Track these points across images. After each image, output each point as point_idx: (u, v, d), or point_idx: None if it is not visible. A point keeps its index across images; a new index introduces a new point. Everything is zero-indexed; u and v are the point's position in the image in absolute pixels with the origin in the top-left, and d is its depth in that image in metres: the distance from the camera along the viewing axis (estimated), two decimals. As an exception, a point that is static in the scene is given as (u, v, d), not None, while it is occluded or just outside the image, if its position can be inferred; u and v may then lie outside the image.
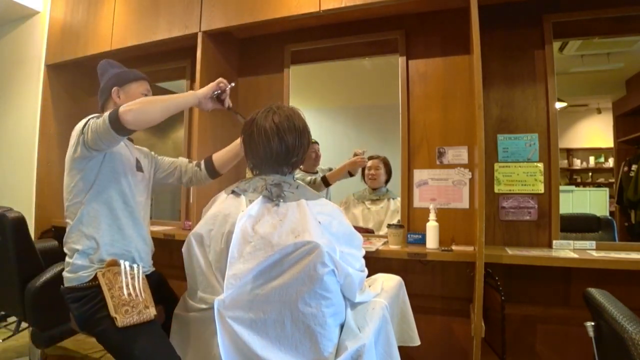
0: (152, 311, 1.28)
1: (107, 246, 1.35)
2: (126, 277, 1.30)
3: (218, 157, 1.66)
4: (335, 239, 1.20)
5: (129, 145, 1.52)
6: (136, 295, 1.28)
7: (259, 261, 1.14)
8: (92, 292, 1.29)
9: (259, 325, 1.14)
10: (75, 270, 1.32)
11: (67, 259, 1.35)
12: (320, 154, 2.64)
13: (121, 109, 1.20)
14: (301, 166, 2.64)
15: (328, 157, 2.73)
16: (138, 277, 1.33)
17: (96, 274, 1.30)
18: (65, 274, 1.35)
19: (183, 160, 1.70)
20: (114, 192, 1.38)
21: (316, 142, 2.64)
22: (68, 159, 1.35)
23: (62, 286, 1.35)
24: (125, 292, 1.27)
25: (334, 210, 1.30)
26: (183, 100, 1.37)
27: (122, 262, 1.34)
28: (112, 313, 1.23)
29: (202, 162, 1.67)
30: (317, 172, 2.63)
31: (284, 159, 1.30)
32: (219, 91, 1.50)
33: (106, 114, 1.22)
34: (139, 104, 1.23)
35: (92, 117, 1.29)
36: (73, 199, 1.34)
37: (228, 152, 1.66)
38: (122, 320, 1.22)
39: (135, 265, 1.36)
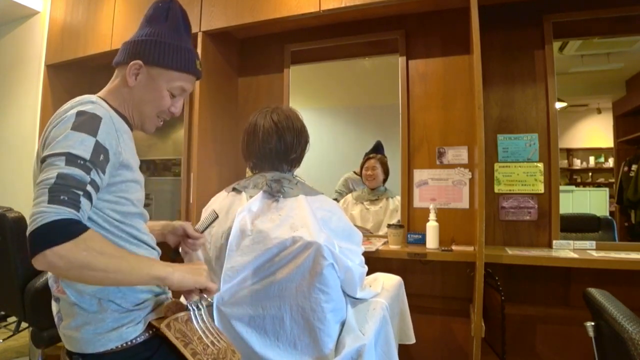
0: (238, 353, 1.00)
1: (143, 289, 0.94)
2: (198, 322, 0.95)
3: None
4: (334, 235, 1.21)
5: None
6: (219, 341, 0.95)
7: (257, 254, 1.15)
8: (154, 351, 0.90)
9: (258, 322, 1.14)
10: (112, 324, 0.87)
11: (80, 312, 0.87)
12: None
13: (55, 252, 0.71)
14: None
15: (328, 157, 2.73)
16: (208, 317, 0.99)
17: (150, 325, 0.90)
18: (85, 335, 0.87)
19: None
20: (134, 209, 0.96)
21: (383, 156, 2.50)
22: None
23: (79, 355, 0.88)
24: (207, 342, 0.93)
25: (333, 206, 1.31)
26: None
27: (189, 304, 0.96)
28: None
29: None
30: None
31: (283, 157, 1.32)
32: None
33: (44, 218, 0.71)
34: (86, 265, 0.74)
35: (68, 156, 0.77)
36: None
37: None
38: None
39: (200, 302, 0.99)
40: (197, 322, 0.94)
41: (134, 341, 0.88)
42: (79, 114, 0.83)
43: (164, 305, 0.93)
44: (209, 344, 0.92)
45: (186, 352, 0.87)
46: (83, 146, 0.79)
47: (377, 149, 2.57)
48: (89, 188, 0.78)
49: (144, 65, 0.95)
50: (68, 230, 0.72)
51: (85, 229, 0.75)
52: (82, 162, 0.78)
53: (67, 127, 0.80)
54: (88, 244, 0.74)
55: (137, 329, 0.89)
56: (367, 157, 2.53)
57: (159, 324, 0.89)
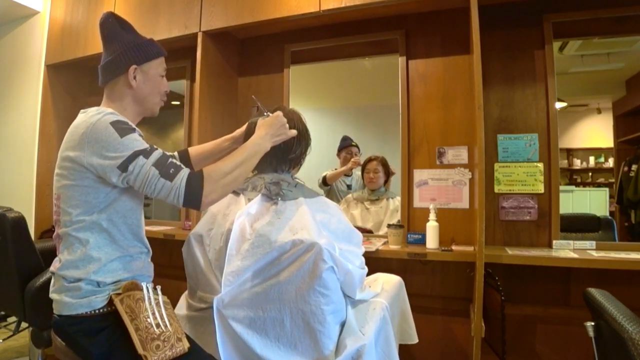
0: (185, 343, 1.05)
1: (120, 270, 1.10)
2: (150, 304, 1.05)
3: (196, 150, 1.48)
4: (334, 237, 1.21)
5: None
6: (165, 326, 1.04)
7: (257, 258, 1.15)
8: (111, 321, 1.04)
9: (258, 324, 1.14)
10: (85, 294, 1.04)
11: (63, 282, 1.07)
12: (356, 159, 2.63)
13: (206, 196, 1.03)
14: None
15: (328, 157, 2.73)
16: (163, 303, 1.10)
17: (111, 298, 1.05)
18: (65, 298, 1.05)
19: None
20: (137, 203, 1.15)
21: (355, 146, 2.66)
22: (74, 164, 1.06)
23: (57, 316, 1.07)
24: (152, 322, 1.02)
25: (332, 208, 1.31)
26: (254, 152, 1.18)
27: (144, 285, 1.08)
28: (140, 350, 0.98)
29: (176, 153, 1.44)
30: (351, 175, 2.69)
31: (282, 157, 1.31)
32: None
33: (181, 186, 1.02)
34: (225, 186, 1.08)
35: (140, 153, 1.02)
36: (82, 214, 1.06)
37: (205, 148, 1.48)
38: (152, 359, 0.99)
39: (158, 288, 1.12)
40: (150, 303, 1.05)
41: (98, 310, 1.04)
42: (113, 124, 1.04)
43: (123, 284, 1.07)
44: (154, 325, 1.02)
45: (130, 326, 1.00)
46: (138, 142, 1.04)
47: (347, 141, 2.68)
48: (168, 154, 1.09)
49: (138, 67, 1.16)
50: (197, 180, 1.03)
51: (200, 172, 1.05)
52: (149, 149, 1.04)
53: (115, 137, 1.02)
54: (215, 175, 1.06)
55: (104, 301, 1.05)
56: (368, 159, 2.53)
57: (115, 297, 1.04)
